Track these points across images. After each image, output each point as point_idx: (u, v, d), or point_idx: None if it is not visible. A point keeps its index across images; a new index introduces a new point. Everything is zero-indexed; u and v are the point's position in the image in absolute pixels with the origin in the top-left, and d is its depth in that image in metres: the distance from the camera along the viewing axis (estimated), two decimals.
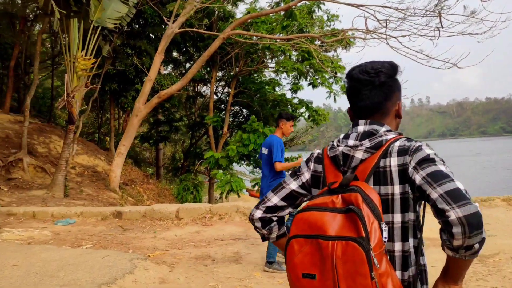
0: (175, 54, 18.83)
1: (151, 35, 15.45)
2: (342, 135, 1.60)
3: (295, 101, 16.70)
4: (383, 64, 1.58)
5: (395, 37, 10.52)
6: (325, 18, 15.72)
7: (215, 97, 19.51)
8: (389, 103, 1.58)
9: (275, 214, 1.65)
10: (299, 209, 1.44)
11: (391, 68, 1.57)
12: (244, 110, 19.14)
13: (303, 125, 22.34)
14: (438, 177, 1.29)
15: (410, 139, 1.50)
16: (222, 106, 19.23)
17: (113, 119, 16.46)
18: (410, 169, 1.37)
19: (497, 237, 5.15)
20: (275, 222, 1.66)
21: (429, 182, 1.29)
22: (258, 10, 14.95)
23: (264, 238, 1.73)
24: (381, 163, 1.43)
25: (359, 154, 1.47)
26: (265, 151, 4.90)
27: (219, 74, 18.98)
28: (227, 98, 17.93)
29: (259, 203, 1.69)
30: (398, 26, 10.55)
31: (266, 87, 16.43)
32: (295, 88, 15.81)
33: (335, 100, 16.44)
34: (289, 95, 17.14)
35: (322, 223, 1.28)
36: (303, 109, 17.15)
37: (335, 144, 1.58)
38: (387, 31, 10.47)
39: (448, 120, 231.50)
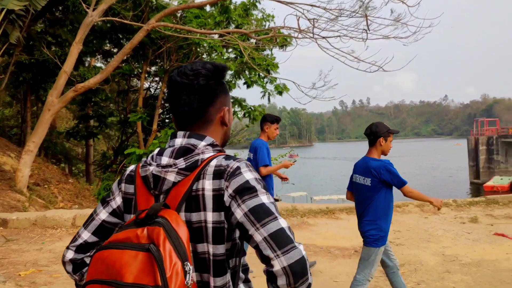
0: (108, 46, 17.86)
1: (74, 23, 14.40)
2: (156, 150, 1.33)
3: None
4: (204, 65, 1.35)
5: (324, 37, 10.41)
6: (260, 17, 15.47)
7: (149, 92, 18.76)
8: (211, 109, 1.37)
9: (88, 254, 1.36)
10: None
11: (214, 70, 1.36)
12: None
13: (238, 124, 22.05)
14: (261, 214, 1.14)
15: (229, 156, 1.30)
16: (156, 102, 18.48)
17: (30, 112, 15.21)
18: (226, 197, 1.20)
19: (405, 247, 5.01)
20: (87, 267, 1.30)
21: (252, 220, 1.14)
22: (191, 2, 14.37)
23: (77, 285, 1.40)
24: (194, 186, 1.23)
25: (171, 177, 1.25)
26: (250, 155, 4.68)
27: (154, 68, 18.27)
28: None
29: (71, 241, 1.39)
30: (330, 27, 10.46)
31: None
32: (231, 86, 15.41)
33: (269, 100, 16.26)
34: (234, 93, 16.78)
35: (120, 266, 1.08)
36: (238, 108, 16.88)
37: (147, 161, 1.32)
38: (317, 31, 10.35)
39: (386, 121, 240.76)
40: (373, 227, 3.51)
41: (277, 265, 1.08)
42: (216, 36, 14.19)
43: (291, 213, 6.12)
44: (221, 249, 1.22)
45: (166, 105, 18.64)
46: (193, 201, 1.23)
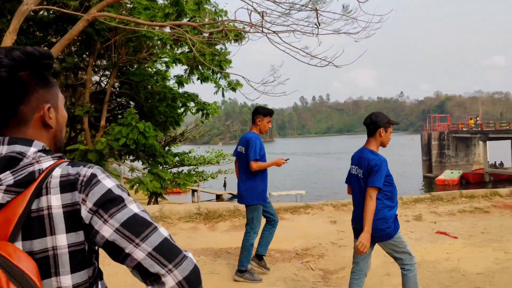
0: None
1: (13, 12, 13.47)
2: None
3: (182, 93, 15.89)
4: (9, 52, 1.04)
5: (274, 32, 10.19)
6: (213, 10, 15.08)
7: (99, 87, 17.98)
8: (24, 108, 1.07)
9: None
10: None
11: (25, 58, 1.05)
12: (132, 103, 17.91)
13: (192, 119, 21.58)
14: (138, 227, 0.97)
15: (77, 163, 1.05)
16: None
17: None
18: (85, 212, 0.99)
19: (347, 248, 4.83)
20: None
21: (127, 236, 0.96)
22: None
23: None
24: (34, 206, 0.97)
25: None
26: (241, 149, 4.48)
27: (104, 62, 17.51)
28: (112, 89, 16.60)
29: None
30: (282, 21, 10.24)
31: (150, 79, 15.31)
32: (178, 81, 14.95)
33: (223, 95, 15.91)
34: (189, 89, 16.33)
35: None
36: (193, 104, 16.51)
37: None
38: (268, 25, 10.10)
39: (345, 117, 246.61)
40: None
41: (170, 281, 0.93)
42: (168, 29, 13.71)
43: (233, 214, 5.85)
44: (79, 277, 1.00)
45: (119, 100, 17.99)
46: (34, 225, 0.97)
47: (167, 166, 18.96)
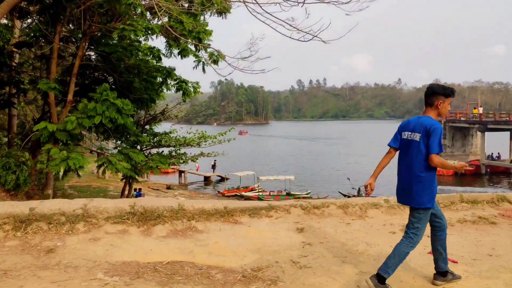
0: None
1: None
2: None
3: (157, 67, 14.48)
4: None
5: (256, 1, 8.84)
6: None
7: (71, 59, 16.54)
8: None
9: None
10: None
11: None
12: (110, 78, 16.49)
13: (173, 97, 20.20)
14: None
15: None
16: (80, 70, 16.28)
17: None
18: None
19: (310, 271, 3.61)
20: None
21: None
22: None
23: None
24: None
25: None
26: (412, 136, 3.59)
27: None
28: (89, 62, 15.24)
29: None
30: None
31: (123, 51, 13.86)
32: (152, 53, 13.54)
33: (204, 70, 14.50)
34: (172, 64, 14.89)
35: None
36: (172, 81, 15.12)
37: None
38: None
39: (341, 102, 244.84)
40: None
41: None
42: None
43: (175, 215, 4.61)
44: None
45: (96, 73, 16.58)
46: None
47: (144, 146, 17.68)
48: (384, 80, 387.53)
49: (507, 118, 38.41)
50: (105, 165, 12.66)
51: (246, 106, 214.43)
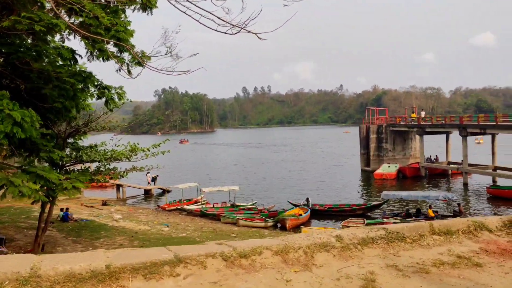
0: None
1: None
2: None
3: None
4: None
5: None
6: None
7: None
8: None
9: None
10: None
11: None
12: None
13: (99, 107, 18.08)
14: None
15: None
16: None
17: None
18: None
19: None
20: None
21: None
22: None
23: None
24: None
25: None
26: None
27: None
28: None
29: None
30: None
31: (26, 51, 11.80)
32: (65, 55, 11.60)
33: (129, 72, 12.71)
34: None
35: None
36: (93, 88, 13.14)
37: None
38: None
39: (286, 108, 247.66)
40: None
41: None
42: None
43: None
44: None
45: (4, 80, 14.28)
46: None
47: (65, 163, 15.48)
48: (327, 86, 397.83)
49: (443, 121, 39.28)
50: (5, 187, 10.53)
51: (191, 114, 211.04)
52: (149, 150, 17.70)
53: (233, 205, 29.55)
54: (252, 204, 29.87)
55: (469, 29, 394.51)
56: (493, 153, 37.15)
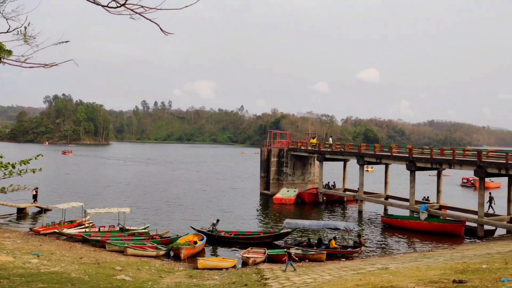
0: None
1: None
2: None
3: None
4: None
5: None
6: None
7: None
8: None
9: None
10: None
11: None
12: None
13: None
14: None
15: None
16: None
17: None
18: None
19: None
20: None
21: None
22: None
23: None
24: None
25: None
26: None
27: None
28: None
29: None
30: None
31: None
32: None
33: None
34: None
35: None
36: None
37: None
38: None
39: (186, 125, 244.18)
40: None
41: None
42: None
43: None
44: None
45: None
46: None
47: None
48: (228, 106, 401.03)
49: (342, 149, 40.29)
50: None
51: (85, 125, 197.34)
52: (13, 167, 14.33)
53: (122, 229, 26.40)
54: (144, 228, 27.02)
55: (357, 64, 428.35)
56: (386, 182, 38.78)
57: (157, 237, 24.62)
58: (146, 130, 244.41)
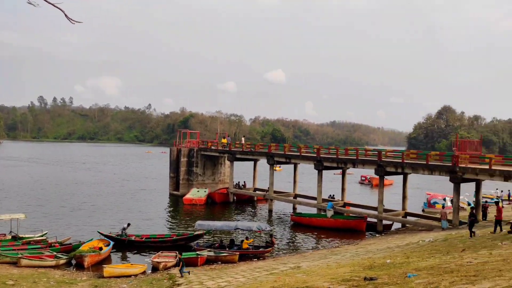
0: None
1: None
2: None
3: None
4: None
5: None
6: None
7: None
8: None
9: None
10: None
11: None
12: None
13: None
14: None
15: None
16: None
17: None
18: None
19: None
20: None
21: None
22: None
23: None
24: None
25: None
26: None
27: None
28: None
29: None
30: None
31: None
32: None
33: None
34: None
35: None
36: None
37: None
38: None
39: (90, 123, 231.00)
40: None
41: None
42: None
43: None
44: None
45: None
46: None
47: None
48: (135, 104, 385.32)
49: (253, 149, 40.71)
50: None
51: None
52: None
53: (15, 238, 23.88)
54: (42, 236, 24.70)
55: (264, 65, 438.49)
56: (294, 181, 39.93)
57: (57, 244, 22.64)
58: (44, 128, 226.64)
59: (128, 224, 25.10)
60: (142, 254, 22.77)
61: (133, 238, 24.30)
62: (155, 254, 21.40)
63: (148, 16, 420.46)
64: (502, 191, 42.95)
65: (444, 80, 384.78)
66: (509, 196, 43.01)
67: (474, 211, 18.87)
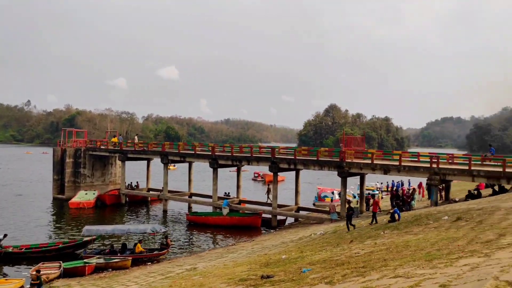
0: None
1: None
2: None
3: None
4: None
5: None
6: None
7: None
8: None
9: None
10: None
11: None
12: None
13: None
14: None
15: None
16: None
17: None
18: None
19: None
20: None
21: None
22: None
23: None
24: None
25: None
26: None
27: None
28: None
29: None
30: None
31: None
32: None
33: None
34: None
35: None
36: None
37: None
38: None
39: None
40: None
41: None
42: None
43: None
44: None
45: None
46: None
47: None
48: (10, 100, 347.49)
49: (146, 148, 39.16)
50: None
51: None
52: None
53: None
54: None
55: (156, 61, 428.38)
56: (189, 180, 39.26)
57: None
58: None
59: (5, 235, 22.36)
60: (20, 267, 20.47)
61: (10, 249, 21.71)
62: (36, 265, 19.35)
63: (30, 4, 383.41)
64: (381, 183, 47.01)
65: (331, 81, 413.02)
66: (387, 187, 47.30)
67: (350, 205, 20.05)
